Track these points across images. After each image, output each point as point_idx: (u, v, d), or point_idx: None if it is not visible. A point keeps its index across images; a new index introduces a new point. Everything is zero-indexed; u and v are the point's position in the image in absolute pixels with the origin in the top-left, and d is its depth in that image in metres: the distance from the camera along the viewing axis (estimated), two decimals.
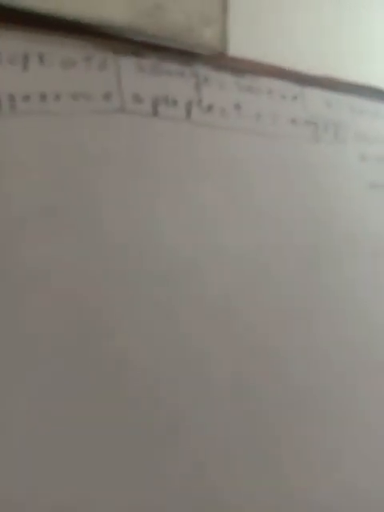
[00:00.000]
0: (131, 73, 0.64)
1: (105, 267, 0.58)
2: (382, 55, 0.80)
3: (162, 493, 0.57)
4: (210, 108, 0.67)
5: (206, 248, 0.64)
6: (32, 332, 0.54)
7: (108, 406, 0.56)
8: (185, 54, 0.66)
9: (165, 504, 0.57)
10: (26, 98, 0.59)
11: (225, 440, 0.62)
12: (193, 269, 0.63)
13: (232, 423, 0.62)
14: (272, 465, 0.64)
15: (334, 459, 0.68)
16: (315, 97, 0.73)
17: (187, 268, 0.62)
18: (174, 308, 0.61)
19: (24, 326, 0.54)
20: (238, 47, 0.69)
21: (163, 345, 0.60)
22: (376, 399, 0.72)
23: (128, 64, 0.64)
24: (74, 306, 0.56)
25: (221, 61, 0.68)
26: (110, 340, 0.58)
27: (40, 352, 0.54)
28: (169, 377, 0.60)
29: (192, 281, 0.63)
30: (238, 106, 0.68)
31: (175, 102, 0.65)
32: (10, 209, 0.55)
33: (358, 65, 0.78)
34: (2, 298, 0.53)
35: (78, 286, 0.57)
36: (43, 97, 0.60)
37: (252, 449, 0.63)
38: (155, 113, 0.64)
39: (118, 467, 0.56)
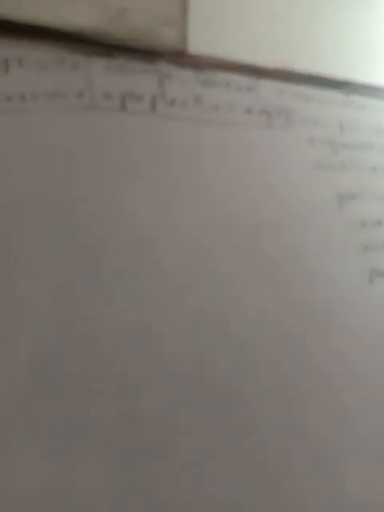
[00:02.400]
0: (101, 72, 0.70)
1: (80, 252, 0.66)
2: (331, 45, 0.87)
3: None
4: (172, 102, 0.73)
5: (168, 226, 0.71)
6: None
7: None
8: (149, 54, 0.72)
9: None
10: (8, 98, 0.66)
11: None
12: (155, 243, 0.70)
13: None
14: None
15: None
16: (268, 87, 0.80)
17: (151, 243, 0.70)
18: (137, 279, 0.69)
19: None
20: (197, 45, 0.75)
21: (125, 317, 0.67)
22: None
23: (98, 65, 0.70)
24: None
25: (181, 58, 0.74)
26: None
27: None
28: (127, 351, 0.66)
29: (155, 253, 0.70)
30: (197, 99, 0.75)
31: (141, 98, 0.72)
32: None
33: (308, 56, 0.84)
34: None
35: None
36: (22, 97, 0.66)
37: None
38: (123, 108, 0.71)
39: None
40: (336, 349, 0.80)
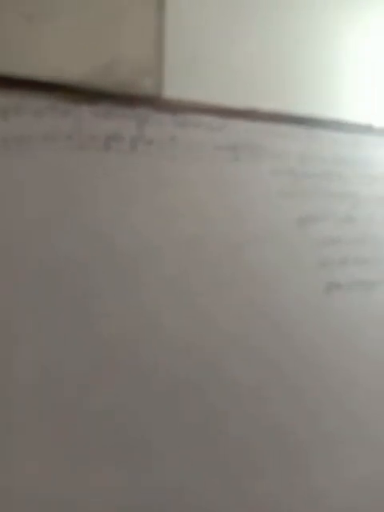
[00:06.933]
0: (88, 118, 0.78)
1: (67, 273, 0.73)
2: (292, 85, 0.94)
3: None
4: (150, 142, 0.81)
5: (147, 249, 0.79)
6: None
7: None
8: (129, 100, 0.80)
9: None
10: (4, 141, 0.74)
11: None
12: (136, 264, 0.78)
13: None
14: None
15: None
16: (235, 126, 0.87)
17: (132, 263, 0.77)
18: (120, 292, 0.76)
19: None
20: (172, 92, 0.83)
21: (105, 332, 0.73)
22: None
23: (85, 111, 0.78)
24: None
25: (158, 103, 0.82)
26: None
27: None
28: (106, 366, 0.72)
29: (136, 271, 0.78)
30: (173, 139, 0.83)
31: (123, 139, 0.79)
32: None
33: (272, 95, 0.92)
34: None
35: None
36: (20, 140, 0.75)
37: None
38: (107, 148, 0.78)
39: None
40: (297, 352, 0.88)
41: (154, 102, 0.82)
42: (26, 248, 0.71)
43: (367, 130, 1.01)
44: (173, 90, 0.83)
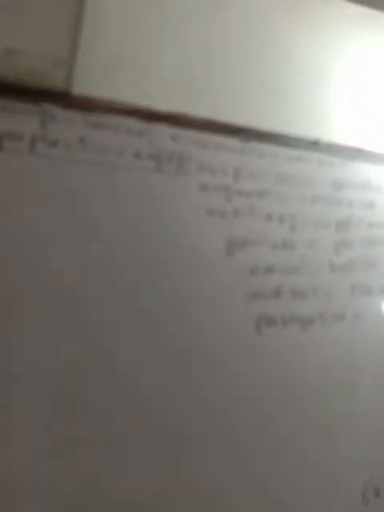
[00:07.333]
0: None
1: None
2: (230, 91, 0.83)
3: None
4: (54, 142, 0.69)
5: (43, 271, 0.67)
6: None
7: None
8: (33, 94, 0.68)
9: None
10: None
11: None
12: (27, 292, 0.66)
13: None
14: None
15: None
16: (161, 132, 0.76)
17: (22, 290, 0.66)
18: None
19: None
20: (85, 87, 0.71)
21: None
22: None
23: None
24: None
25: (67, 99, 0.70)
26: None
27: None
28: None
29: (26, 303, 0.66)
30: (82, 141, 0.70)
31: (20, 137, 0.67)
32: None
33: (206, 101, 0.81)
34: None
35: None
36: None
37: None
38: (0, 148, 0.66)
39: None
40: (226, 395, 0.77)
41: (61, 98, 0.70)
42: None
43: (313, 146, 0.90)
44: (86, 85, 0.71)
